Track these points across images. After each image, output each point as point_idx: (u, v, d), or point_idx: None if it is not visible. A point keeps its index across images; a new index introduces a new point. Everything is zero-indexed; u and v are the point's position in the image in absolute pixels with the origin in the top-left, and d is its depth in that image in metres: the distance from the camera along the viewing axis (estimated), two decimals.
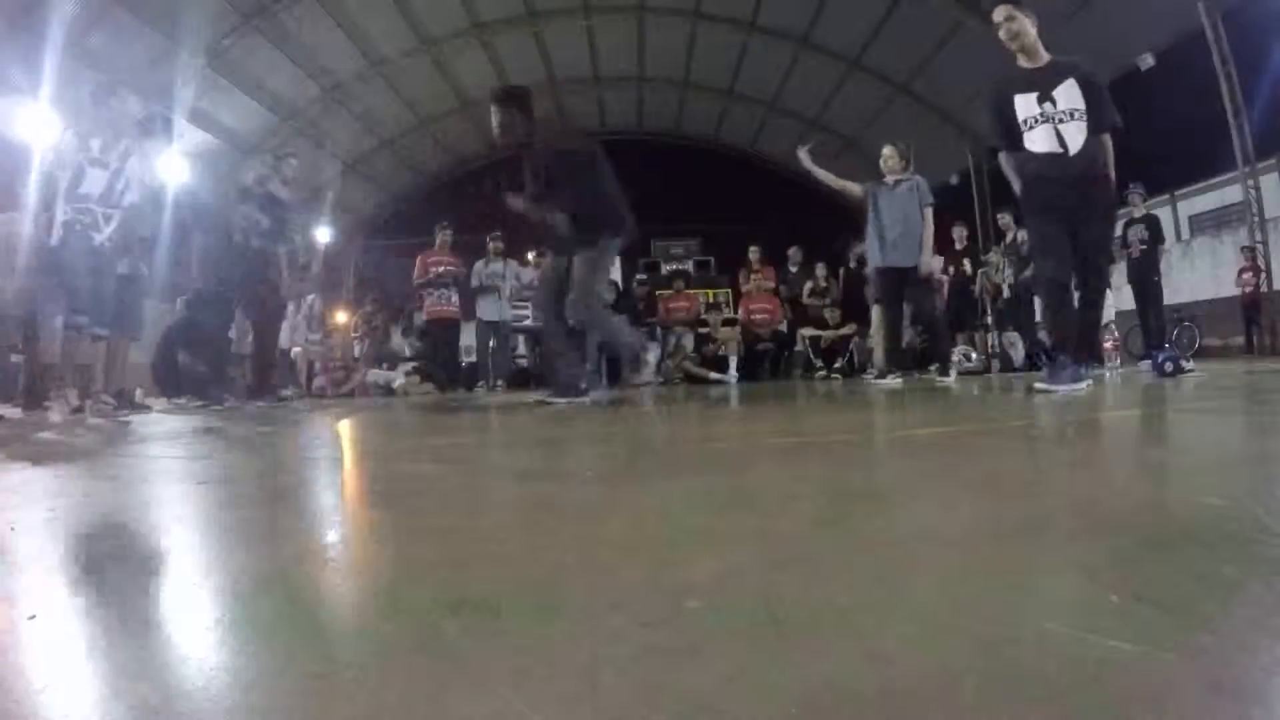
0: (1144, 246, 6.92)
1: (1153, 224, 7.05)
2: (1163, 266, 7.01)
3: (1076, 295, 3.56)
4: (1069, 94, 3.45)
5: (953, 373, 5.75)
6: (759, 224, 11.69)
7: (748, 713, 0.38)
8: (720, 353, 8.05)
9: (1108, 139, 3.50)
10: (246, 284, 5.12)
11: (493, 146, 16.52)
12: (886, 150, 5.79)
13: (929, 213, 5.51)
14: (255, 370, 5.36)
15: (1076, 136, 3.43)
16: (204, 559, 0.82)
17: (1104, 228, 3.64)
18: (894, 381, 5.40)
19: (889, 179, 5.72)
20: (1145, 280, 6.94)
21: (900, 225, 5.62)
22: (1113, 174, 3.53)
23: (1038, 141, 3.48)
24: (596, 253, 3.94)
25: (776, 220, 14.09)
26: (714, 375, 7.83)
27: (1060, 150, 3.44)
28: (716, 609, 0.54)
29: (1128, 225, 7.06)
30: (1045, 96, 3.48)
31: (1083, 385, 3.29)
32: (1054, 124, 3.45)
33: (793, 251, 9.09)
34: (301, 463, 1.90)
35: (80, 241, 3.79)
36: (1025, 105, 3.51)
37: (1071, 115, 3.43)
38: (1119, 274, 7.11)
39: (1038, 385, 3.33)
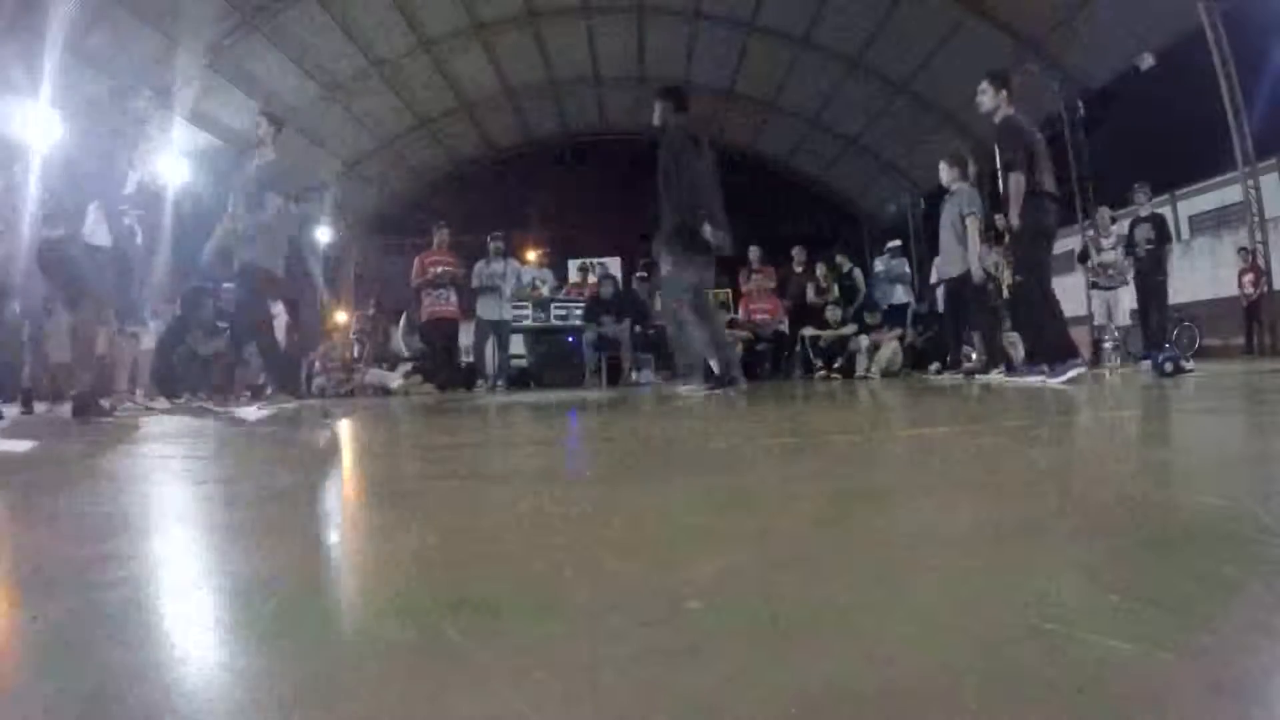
0: (1150, 246, 6.84)
1: (1159, 223, 6.94)
2: (1168, 266, 6.96)
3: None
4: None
5: (994, 371, 5.85)
6: (759, 224, 11.68)
7: (748, 713, 0.38)
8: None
9: (1007, 178, 4.25)
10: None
11: (493, 146, 16.64)
12: (942, 164, 6.12)
13: (970, 221, 5.66)
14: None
15: None
16: (204, 559, 0.82)
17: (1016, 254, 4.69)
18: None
19: (949, 192, 6.04)
20: (1151, 280, 6.84)
21: (941, 239, 6.01)
22: (1010, 211, 4.25)
23: None
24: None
25: (777, 220, 14.08)
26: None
27: None
28: (716, 609, 0.54)
29: (1134, 224, 7.00)
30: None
31: (1056, 380, 3.90)
32: None
33: (796, 251, 9.09)
34: (301, 462, 1.90)
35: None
36: None
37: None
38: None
39: (1044, 379, 4.03)
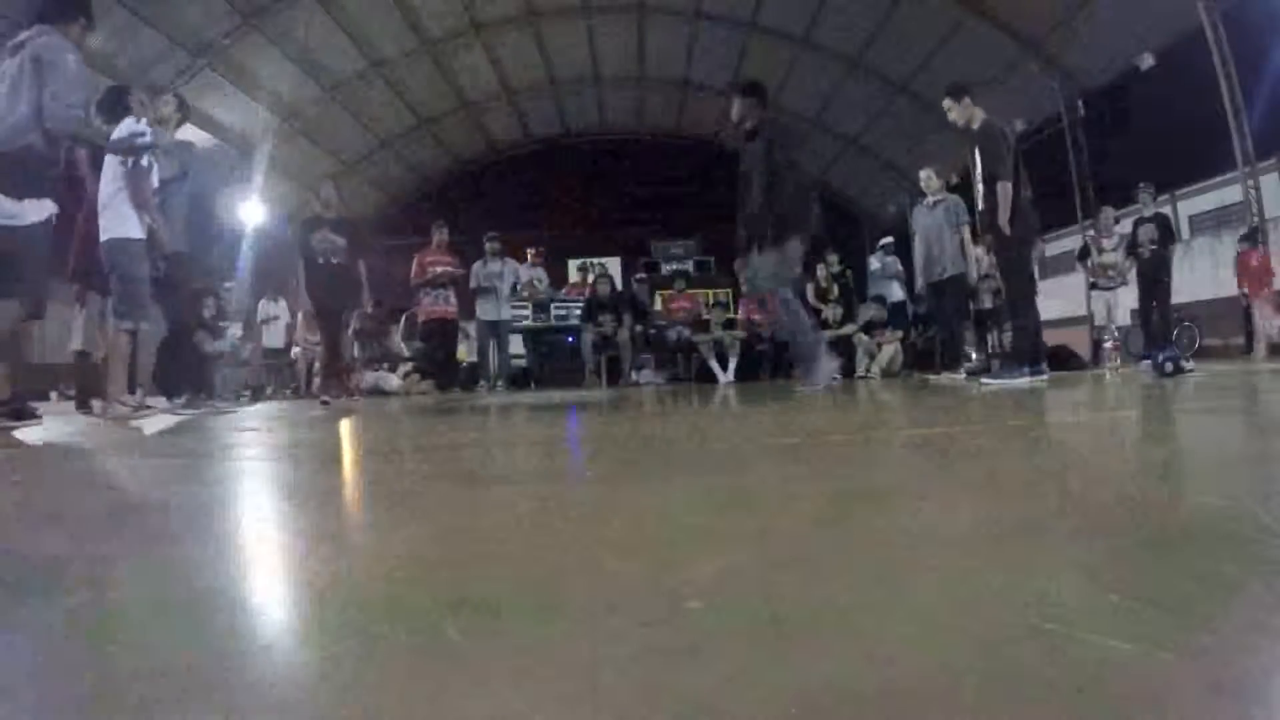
0: (1154, 246, 6.82)
1: (1163, 223, 6.91)
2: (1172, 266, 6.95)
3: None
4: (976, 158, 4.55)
5: (962, 371, 6.04)
6: None
7: (748, 713, 0.38)
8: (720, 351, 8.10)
9: (997, 188, 4.31)
10: (342, 296, 5.80)
11: (493, 146, 16.62)
12: (924, 173, 6.37)
13: (965, 229, 5.98)
14: (328, 371, 6.15)
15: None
16: (202, 559, 0.82)
17: (1003, 258, 4.66)
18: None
19: (928, 199, 6.27)
20: (1154, 280, 6.80)
21: (927, 244, 6.19)
22: (1000, 218, 4.31)
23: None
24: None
25: None
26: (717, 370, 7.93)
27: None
28: (716, 609, 0.54)
29: (1137, 224, 6.99)
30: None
31: (1024, 381, 4.17)
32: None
33: None
34: (301, 463, 1.90)
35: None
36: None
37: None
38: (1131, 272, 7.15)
39: (983, 380, 4.40)
